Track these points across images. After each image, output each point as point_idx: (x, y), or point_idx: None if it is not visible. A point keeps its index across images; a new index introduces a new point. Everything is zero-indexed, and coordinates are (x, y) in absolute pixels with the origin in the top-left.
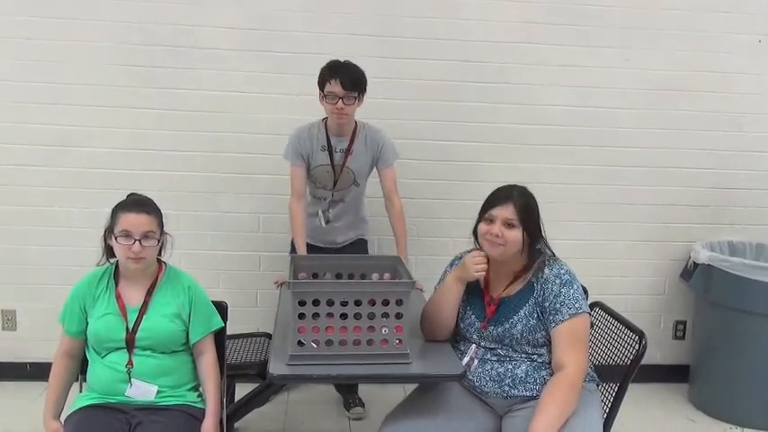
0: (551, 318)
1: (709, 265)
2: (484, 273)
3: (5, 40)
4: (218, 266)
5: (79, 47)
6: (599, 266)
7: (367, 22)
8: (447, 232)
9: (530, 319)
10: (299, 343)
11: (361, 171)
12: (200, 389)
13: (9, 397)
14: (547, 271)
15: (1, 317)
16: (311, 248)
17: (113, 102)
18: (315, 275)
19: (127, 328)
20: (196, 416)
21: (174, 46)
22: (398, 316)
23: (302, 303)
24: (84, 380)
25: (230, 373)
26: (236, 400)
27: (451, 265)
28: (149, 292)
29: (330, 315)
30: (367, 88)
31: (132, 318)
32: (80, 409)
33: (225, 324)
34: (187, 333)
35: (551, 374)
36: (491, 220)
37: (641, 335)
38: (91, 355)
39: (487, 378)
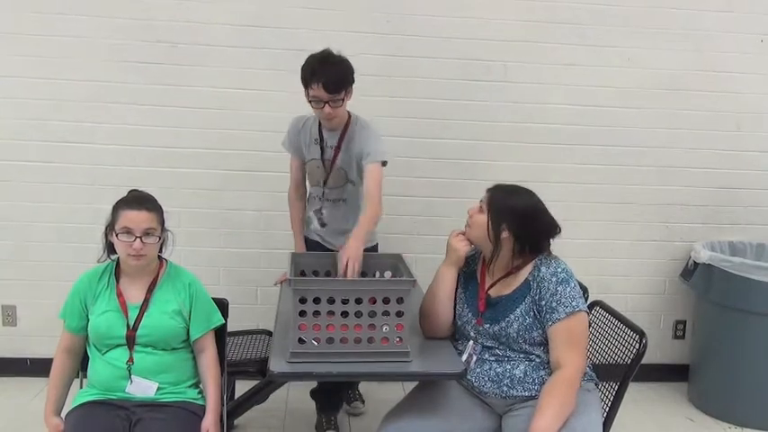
0: (548, 316)
1: (710, 264)
2: (467, 247)
3: (6, 36)
4: (219, 263)
5: (81, 43)
6: (599, 265)
7: (369, 20)
8: (447, 231)
9: (526, 318)
10: (300, 340)
11: (351, 169)
12: (201, 386)
13: (9, 393)
14: (543, 269)
15: (1, 312)
16: (320, 247)
17: (116, 98)
18: (315, 273)
19: (128, 325)
20: (196, 412)
21: (177, 43)
22: (399, 314)
23: (303, 301)
24: (85, 376)
25: (231, 371)
26: (236, 398)
27: None
28: (150, 289)
29: (331, 313)
30: (354, 78)
31: (133, 315)
32: (81, 405)
33: (225, 321)
34: (188, 330)
35: (550, 374)
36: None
37: (641, 334)
38: (91, 352)
39: (486, 378)
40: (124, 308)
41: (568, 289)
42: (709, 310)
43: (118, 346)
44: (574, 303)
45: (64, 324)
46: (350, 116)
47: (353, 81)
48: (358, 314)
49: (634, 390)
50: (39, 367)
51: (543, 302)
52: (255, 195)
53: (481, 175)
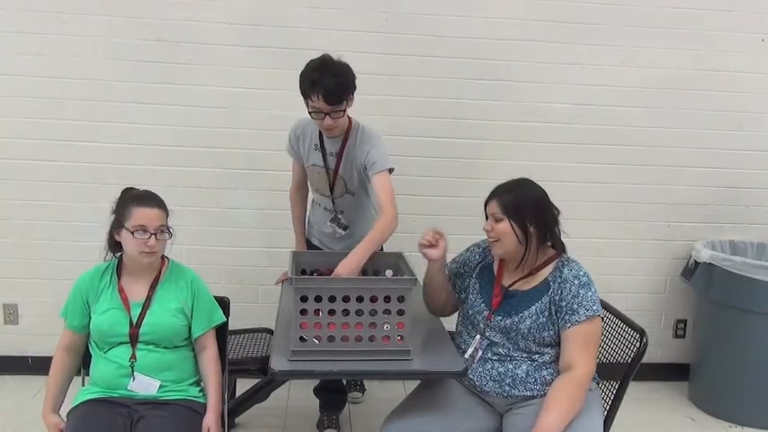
0: (567, 318)
1: (711, 263)
2: (426, 247)
3: (8, 35)
4: (220, 262)
5: (82, 42)
6: (600, 264)
7: (370, 18)
8: (448, 230)
9: (540, 317)
10: (301, 339)
11: (352, 180)
12: (202, 384)
13: (11, 391)
14: (566, 271)
15: (3, 311)
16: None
17: (117, 97)
18: (316, 272)
19: (131, 323)
20: (198, 410)
21: (178, 42)
22: (400, 312)
23: (304, 299)
24: (87, 374)
25: (232, 369)
26: (237, 396)
27: (467, 250)
28: (152, 287)
29: (332, 311)
30: (356, 85)
31: (136, 312)
32: (83, 403)
33: (227, 319)
34: (189, 328)
35: (552, 374)
36: (486, 218)
37: (642, 333)
38: (93, 350)
39: (488, 378)
40: (127, 305)
41: (590, 293)
42: (710, 310)
43: (120, 343)
44: (594, 308)
45: (65, 322)
46: (350, 121)
47: (355, 88)
48: (359, 313)
49: (634, 389)
50: (40, 365)
51: (564, 303)
52: (257, 194)
53: (483, 174)
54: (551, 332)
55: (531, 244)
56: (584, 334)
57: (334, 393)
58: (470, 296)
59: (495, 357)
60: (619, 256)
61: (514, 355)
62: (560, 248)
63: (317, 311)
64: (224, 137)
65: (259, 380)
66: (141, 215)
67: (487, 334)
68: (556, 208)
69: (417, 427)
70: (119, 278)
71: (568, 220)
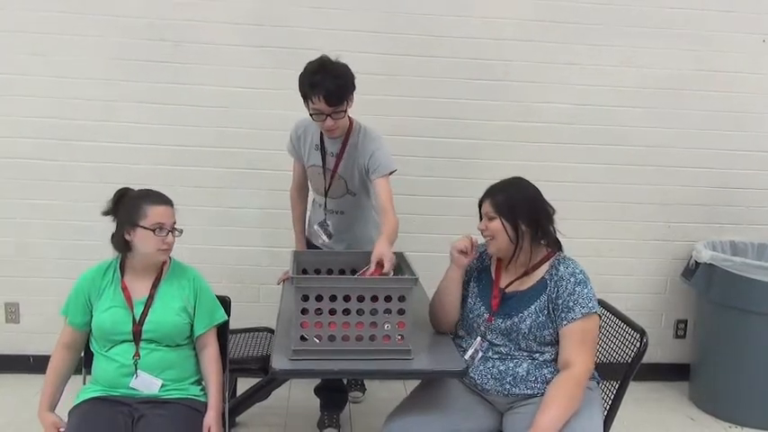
0: (563, 315)
1: (711, 264)
2: (461, 246)
3: (10, 35)
4: (221, 261)
5: (84, 41)
6: (600, 264)
7: (370, 18)
8: (446, 229)
9: (539, 316)
10: (302, 338)
11: (353, 180)
12: (203, 383)
13: (12, 389)
14: (561, 269)
15: (4, 310)
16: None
17: (119, 97)
18: (317, 271)
19: (134, 320)
20: (199, 409)
21: (181, 41)
22: (401, 312)
23: (305, 299)
24: (89, 373)
25: (233, 368)
26: (238, 395)
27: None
28: (155, 285)
29: (333, 311)
30: (355, 85)
31: (138, 310)
32: (84, 401)
33: (228, 318)
34: (191, 326)
35: (552, 372)
36: (481, 218)
37: (642, 333)
38: (94, 349)
39: (489, 376)
40: (130, 303)
41: (586, 290)
42: (710, 310)
43: (122, 342)
44: (590, 305)
45: (66, 320)
46: (351, 122)
47: (354, 88)
48: (360, 312)
49: (635, 389)
50: (41, 364)
51: (560, 301)
52: (258, 193)
53: (481, 174)
54: (551, 330)
55: (522, 242)
56: (581, 331)
57: (334, 393)
58: (469, 300)
59: (495, 356)
60: (619, 257)
61: (515, 353)
62: (556, 246)
63: (317, 311)
64: (226, 136)
65: (260, 379)
66: (158, 213)
67: (488, 337)
68: (550, 206)
69: (418, 427)
70: (122, 276)
71: (568, 221)
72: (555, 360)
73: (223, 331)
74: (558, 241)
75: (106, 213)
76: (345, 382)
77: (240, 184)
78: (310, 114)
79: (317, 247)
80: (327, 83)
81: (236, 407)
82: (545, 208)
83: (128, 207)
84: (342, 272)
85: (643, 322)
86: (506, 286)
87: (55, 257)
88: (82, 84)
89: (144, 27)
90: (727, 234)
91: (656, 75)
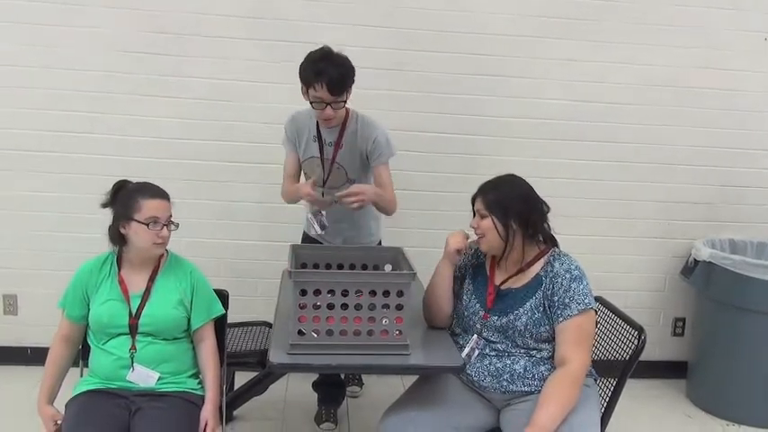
0: (559, 312)
1: (710, 262)
2: (459, 246)
3: (11, 26)
4: (219, 255)
5: (85, 33)
6: (600, 262)
7: (372, 13)
8: (444, 225)
9: (535, 312)
10: (300, 332)
11: (353, 167)
12: (200, 376)
13: (10, 381)
14: (557, 265)
15: (3, 301)
16: (317, 242)
17: (117, 89)
18: (316, 266)
19: (130, 313)
20: (196, 402)
21: (181, 34)
22: (399, 307)
23: (303, 293)
24: (86, 365)
25: (231, 362)
26: (235, 389)
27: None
28: (152, 278)
29: (331, 305)
30: (355, 76)
31: (135, 303)
32: (81, 393)
33: (226, 312)
34: (188, 320)
35: (550, 370)
36: (474, 215)
37: (640, 330)
38: (92, 342)
39: (486, 373)
40: (126, 296)
41: (581, 286)
42: (709, 308)
43: (119, 335)
44: (587, 301)
45: (63, 313)
46: (347, 111)
47: (354, 80)
48: (358, 307)
49: (632, 386)
50: (39, 356)
51: (556, 298)
52: (256, 187)
53: (480, 170)
54: (547, 327)
55: (513, 240)
56: (578, 328)
57: (332, 387)
58: (464, 297)
59: (493, 353)
60: (618, 254)
61: (512, 350)
62: (551, 242)
63: (315, 305)
64: (224, 129)
65: (257, 373)
66: (153, 207)
67: (484, 334)
68: (544, 204)
69: (415, 422)
70: (119, 269)
71: (568, 218)
72: (552, 357)
73: (221, 325)
74: (553, 237)
75: (104, 206)
76: (343, 376)
77: (239, 178)
78: (310, 102)
79: (315, 241)
80: (331, 71)
81: (233, 400)
82: (538, 206)
83: (123, 200)
84: (340, 266)
85: (641, 320)
86: (501, 283)
87: (53, 249)
88: (80, 75)
89: (143, 19)
90: (726, 232)
91: (656, 72)
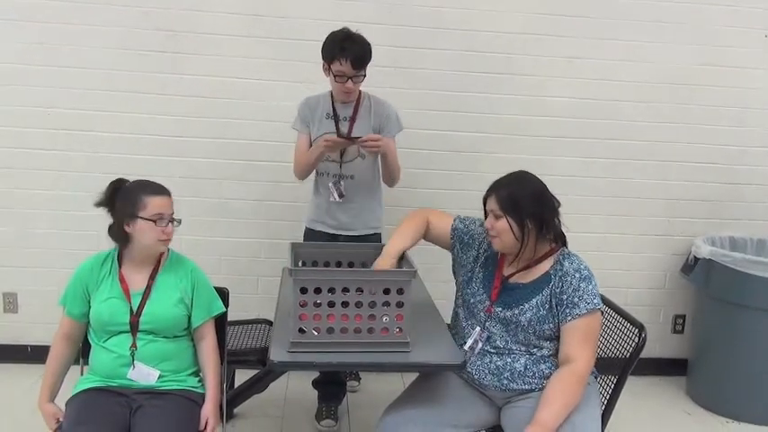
0: (567, 311)
1: (710, 259)
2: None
3: (10, 23)
4: (219, 253)
5: (81, 31)
6: (600, 259)
7: (372, 11)
8: None
9: (540, 309)
10: (300, 330)
11: None
12: (201, 374)
13: (10, 379)
14: (566, 264)
15: (3, 299)
16: (324, 236)
17: (116, 86)
18: (315, 263)
19: (131, 311)
20: (196, 400)
21: (177, 31)
22: (399, 305)
23: (304, 291)
24: (86, 363)
25: (231, 360)
26: (236, 387)
27: (480, 224)
28: (152, 276)
29: (331, 303)
30: (372, 55)
31: (136, 301)
32: (82, 391)
33: (226, 310)
34: (189, 318)
35: (550, 368)
36: (487, 215)
37: (641, 328)
38: (92, 340)
39: (486, 371)
40: (127, 294)
41: (590, 287)
42: (709, 305)
43: (120, 333)
44: (595, 301)
45: (64, 310)
46: (360, 91)
47: (371, 58)
48: (358, 304)
49: (632, 383)
50: (39, 354)
51: (565, 297)
52: (256, 185)
53: (483, 168)
54: (551, 325)
55: (528, 239)
56: (585, 327)
57: (333, 386)
58: (473, 284)
59: (493, 351)
60: (619, 251)
61: (513, 348)
62: (561, 241)
63: (316, 303)
64: (224, 127)
65: (258, 371)
66: (157, 204)
67: (487, 325)
68: (556, 200)
69: (415, 420)
70: (119, 267)
71: (568, 215)
72: (553, 355)
73: (221, 323)
74: (563, 235)
75: (99, 205)
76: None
77: (239, 176)
78: (333, 75)
79: (321, 234)
80: (355, 48)
81: (233, 398)
82: (551, 203)
83: (126, 198)
84: (339, 264)
85: (642, 317)
86: (509, 276)
87: (53, 247)
88: (80, 73)
89: (141, 17)
90: (726, 229)
91: (658, 69)
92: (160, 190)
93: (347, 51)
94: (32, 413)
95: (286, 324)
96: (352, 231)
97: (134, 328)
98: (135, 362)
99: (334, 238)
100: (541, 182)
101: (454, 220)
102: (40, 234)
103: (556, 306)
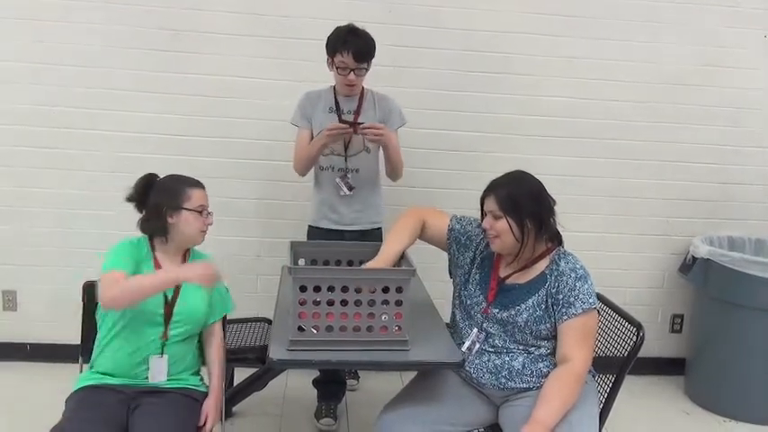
0: (563, 311)
1: (709, 259)
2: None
3: (13, 22)
4: (219, 251)
5: (84, 30)
6: (598, 259)
7: (372, 10)
8: None
9: (537, 310)
10: (300, 328)
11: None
12: (201, 372)
13: (8, 378)
14: (562, 264)
15: (2, 297)
16: (327, 233)
17: (119, 85)
18: (315, 262)
19: (165, 301)
20: (196, 398)
21: (180, 30)
22: (398, 303)
23: (303, 289)
24: (86, 362)
25: (230, 358)
26: (235, 385)
27: (477, 225)
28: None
29: (330, 302)
30: (375, 50)
31: (170, 292)
32: (81, 388)
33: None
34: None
35: (548, 366)
36: (485, 215)
37: (639, 327)
38: (108, 328)
39: (484, 370)
40: None
41: (586, 286)
42: (707, 305)
43: (147, 323)
44: (591, 300)
45: (114, 270)
46: (363, 87)
47: (375, 54)
48: (357, 303)
49: (630, 382)
50: (39, 352)
51: (561, 296)
52: (257, 183)
53: (480, 167)
54: (548, 325)
55: (527, 239)
56: (581, 327)
57: (333, 385)
58: (470, 286)
59: (491, 350)
60: (617, 251)
61: (511, 347)
62: (557, 240)
63: (315, 301)
64: (224, 126)
65: (257, 369)
66: (200, 196)
67: (485, 326)
68: (552, 199)
69: (413, 418)
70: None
71: (566, 214)
72: (550, 354)
73: (221, 321)
74: (560, 235)
75: (130, 199)
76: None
77: (238, 174)
78: (336, 68)
79: (324, 232)
80: (358, 41)
81: (233, 396)
82: (548, 203)
83: (168, 191)
84: (338, 263)
85: (640, 316)
86: (506, 277)
87: (53, 246)
88: (80, 71)
89: (143, 15)
90: (724, 229)
91: (656, 69)
92: (199, 183)
93: (349, 44)
94: (32, 411)
95: (285, 322)
96: (357, 226)
97: (167, 318)
98: (163, 351)
99: (338, 233)
100: (539, 181)
101: (451, 221)
102: (39, 232)
103: (552, 306)
